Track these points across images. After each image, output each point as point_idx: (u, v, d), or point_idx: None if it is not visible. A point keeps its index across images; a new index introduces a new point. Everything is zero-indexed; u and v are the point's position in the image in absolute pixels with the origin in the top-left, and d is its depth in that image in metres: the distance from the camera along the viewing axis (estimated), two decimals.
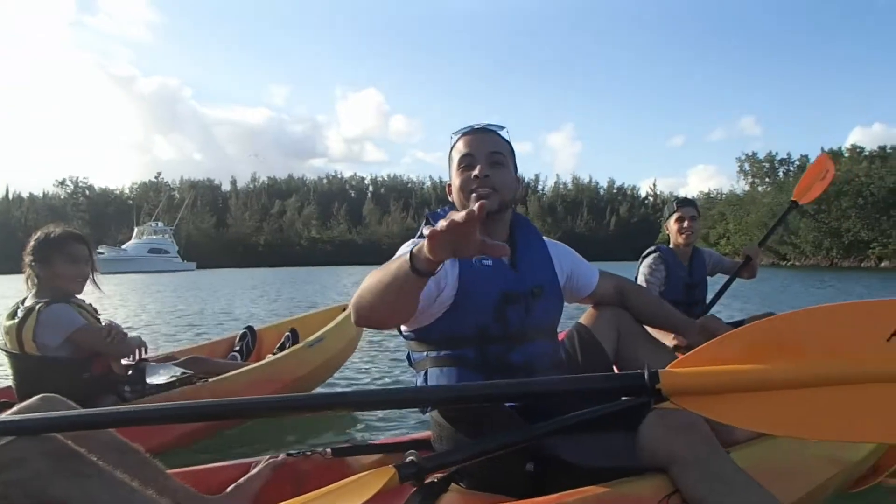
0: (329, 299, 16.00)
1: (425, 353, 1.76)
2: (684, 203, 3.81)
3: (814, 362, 1.18)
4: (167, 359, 3.61)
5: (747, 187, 72.89)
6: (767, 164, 71.40)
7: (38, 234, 3.03)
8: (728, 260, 4.07)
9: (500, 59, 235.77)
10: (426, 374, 1.76)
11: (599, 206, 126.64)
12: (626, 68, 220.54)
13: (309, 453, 1.98)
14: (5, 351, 2.97)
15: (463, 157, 1.78)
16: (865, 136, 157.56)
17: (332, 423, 3.74)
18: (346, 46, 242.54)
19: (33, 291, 2.99)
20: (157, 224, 75.61)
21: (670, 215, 3.82)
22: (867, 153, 58.74)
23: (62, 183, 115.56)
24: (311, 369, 3.90)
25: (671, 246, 3.81)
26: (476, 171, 1.74)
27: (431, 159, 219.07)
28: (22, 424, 1.33)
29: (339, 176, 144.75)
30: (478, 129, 1.83)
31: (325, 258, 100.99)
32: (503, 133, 1.85)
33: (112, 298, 16.48)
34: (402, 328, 1.79)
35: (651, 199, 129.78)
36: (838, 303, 1.27)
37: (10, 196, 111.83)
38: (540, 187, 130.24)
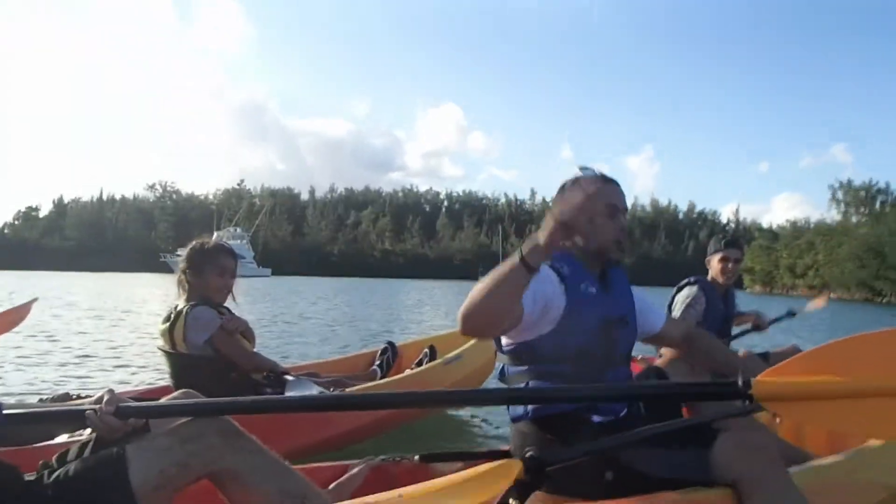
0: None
1: (525, 367, 1.91)
2: (732, 244, 3.99)
3: (885, 376, 1.37)
4: (311, 374, 3.64)
5: (839, 217, 69.43)
6: (863, 193, 67.68)
7: (195, 243, 3.26)
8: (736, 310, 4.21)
9: (580, 79, 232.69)
10: (526, 385, 1.91)
11: (678, 230, 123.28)
12: (710, 90, 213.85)
13: (399, 459, 2.16)
14: (163, 351, 3.21)
15: (610, 206, 1.98)
16: None
17: (418, 433, 3.96)
18: (427, 61, 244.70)
19: (184, 297, 3.20)
20: (235, 230, 78.00)
21: (716, 252, 3.98)
22: None
23: (152, 187, 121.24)
24: (446, 386, 3.81)
25: (709, 279, 3.97)
26: (622, 224, 2.00)
27: (508, 177, 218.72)
28: (197, 407, 1.66)
29: (415, 189, 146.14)
30: (613, 180, 2.04)
31: (398, 270, 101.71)
32: None
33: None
34: (504, 340, 1.94)
35: (733, 225, 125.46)
36: None
37: (104, 197, 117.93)
38: None
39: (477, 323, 1.61)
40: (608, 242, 1.99)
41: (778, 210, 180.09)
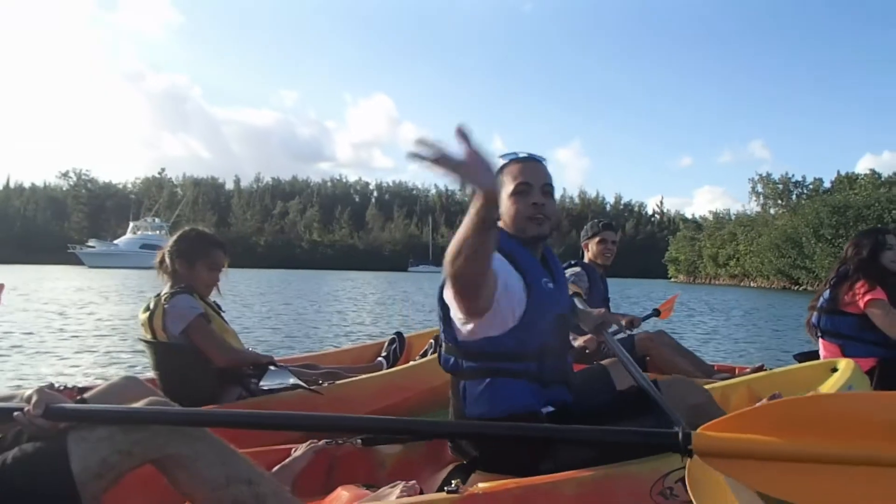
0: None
1: (486, 364, 1.91)
2: (609, 227, 4.32)
3: (836, 442, 1.33)
4: (307, 366, 3.63)
5: (758, 209, 71.49)
6: (781, 186, 69.84)
7: (189, 230, 3.22)
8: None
9: (510, 72, 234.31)
10: (490, 383, 1.90)
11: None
12: (635, 87, 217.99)
13: (341, 442, 2.24)
14: (143, 341, 3.13)
15: (520, 185, 1.98)
16: (876, 163, 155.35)
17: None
18: (358, 52, 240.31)
19: (168, 284, 3.10)
20: (153, 220, 74.65)
21: (594, 235, 4.27)
22: (884, 179, 57.18)
23: (65, 175, 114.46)
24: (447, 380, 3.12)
25: (586, 261, 4.22)
26: (534, 199, 1.96)
27: None
28: (126, 415, 1.59)
29: (344, 180, 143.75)
30: (530, 157, 2.03)
31: (326, 262, 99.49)
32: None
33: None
34: (462, 334, 1.91)
35: (657, 216, 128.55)
36: (862, 392, 1.58)
37: (11, 185, 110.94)
38: None
39: (456, 275, 1.62)
40: (523, 221, 1.97)
41: (700, 202, 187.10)
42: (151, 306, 3.07)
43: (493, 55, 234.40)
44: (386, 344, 4.43)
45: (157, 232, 69.31)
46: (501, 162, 2.03)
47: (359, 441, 2.24)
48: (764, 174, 72.47)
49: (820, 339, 3.77)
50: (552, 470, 1.74)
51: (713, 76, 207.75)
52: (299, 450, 2.17)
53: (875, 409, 1.39)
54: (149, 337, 3.07)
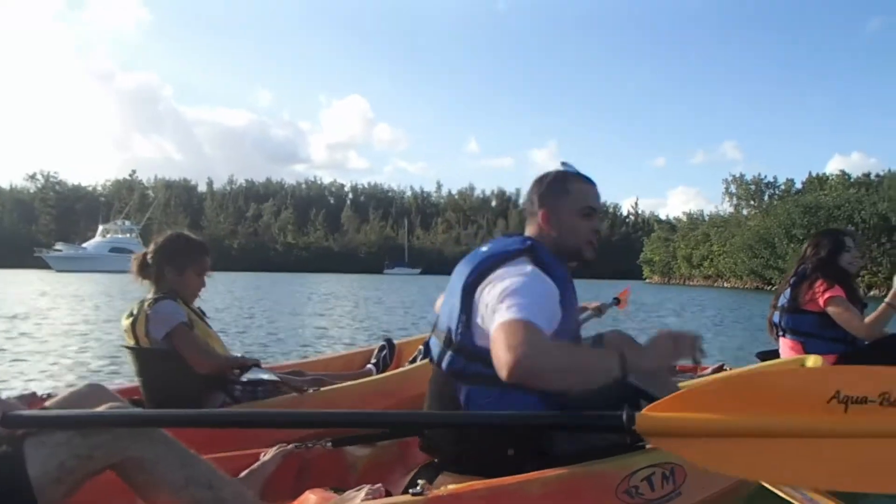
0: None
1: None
2: None
3: (768, 416, 1.39)
4: (295, 373, 3.49)
5: (731, 209, 72.25)
6: (754, 187, 70.71)
7: (177, 235, 3.16)
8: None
9: (486, 72, 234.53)
10: (502, 393, 1.82)
11: None
12: (610, 89, 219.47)
13: (311, 445, 2.21)
14: (127, 348, 3.10)
15: (588, 207, 2.04)
16: (845, 164, 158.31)
17: None
18: (332, 52, 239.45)
19: (153, 289, 3.05)
20: (123, 223, 73.38)
21: None
22: (853, 180, 58.11)
23: (32, 177, 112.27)
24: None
25: None
26: (598, 226, 2.06)
27: (414, 169, 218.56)
28: (88, 418, 1.59)
29: (319, 182, 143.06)
30: (590, 180, 2.09)
31: (301, 264, 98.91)
32: None
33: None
34: (483, 342, 1.82)
35: (632, 217, 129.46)
36: (795, 368, 1.43)
37: None
38: (521, 201, 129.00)
39: (538, 383, 1.60)
40: (583, 244, 2.03)
41: (674, 203, 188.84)
42: (135, 312, 3.03)
43: (468, 55, 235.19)
44: (376, 350, 4.35)
45: (128, 235, 68.19)
46: (563, 168, 2.08)
47: (329, 443, 2.21)
48: (737, 175, 73.40)
49: (781, 338, 3.84)
50: (523, 470, 1.74)
51: (687, 76, 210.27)
52: (268, 454, 2.14)
53: (815, 382, 1.43)
54: (132, 343, 3.04)
